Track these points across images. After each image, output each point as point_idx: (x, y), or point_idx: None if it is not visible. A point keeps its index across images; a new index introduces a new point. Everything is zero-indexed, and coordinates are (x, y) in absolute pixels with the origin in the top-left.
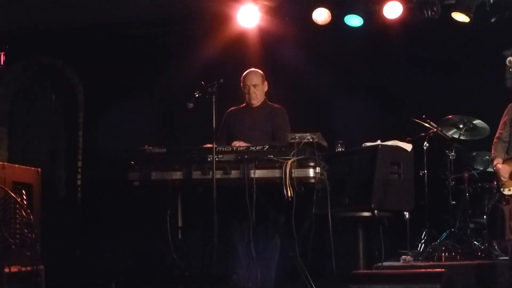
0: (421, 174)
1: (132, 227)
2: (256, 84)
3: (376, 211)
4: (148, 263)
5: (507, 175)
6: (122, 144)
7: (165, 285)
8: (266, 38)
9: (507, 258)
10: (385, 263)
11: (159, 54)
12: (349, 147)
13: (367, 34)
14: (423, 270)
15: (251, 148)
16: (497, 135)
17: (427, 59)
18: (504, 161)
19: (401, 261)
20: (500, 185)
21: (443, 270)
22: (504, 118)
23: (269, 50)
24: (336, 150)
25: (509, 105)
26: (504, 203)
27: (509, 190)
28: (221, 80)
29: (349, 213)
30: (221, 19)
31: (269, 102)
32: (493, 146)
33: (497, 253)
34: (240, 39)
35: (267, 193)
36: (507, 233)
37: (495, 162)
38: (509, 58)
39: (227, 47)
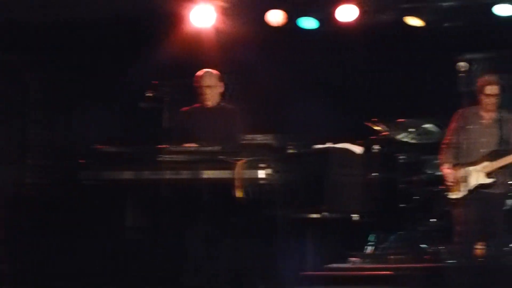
0: (371, 177)
1: (84, 226)
2: (209, 85)
3: (326, 213)
4: (98, 263)
5: (454, 180)
6: (76, 143)
7: (114, 285)
8: (222, 38)
9: (455, 261)
10: (333, 265)
11: (116, 53)
12: (301, 149)
13: (322, 37)
14: (370, 272)
15: (203, 148)
16: (445, 141)
17: (381, 62)
18: (452, 166)
19: (350, 263)
20: (447, 189)
21: (391, 272)
22: (453, 125)
23: (225, 51)
24: (288, 152)
25: (457, 112)
26: (452, 207)
27: (456, 194)
28: (176, 80)
29: (300, 214)
30: (177, 19)
31: (224, 103)
32: (441, 152)
33: (445, 256)
34: (196, 39)
35: (218, 194)
36: (455, 237)
37: (443, 167)
38: (459, 63)
39: (184, 47)
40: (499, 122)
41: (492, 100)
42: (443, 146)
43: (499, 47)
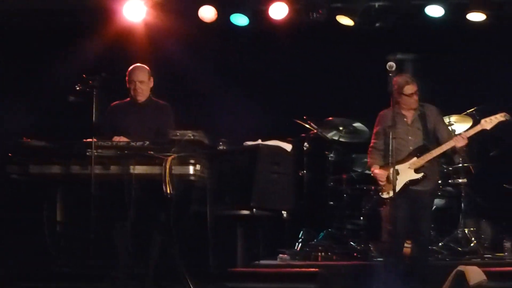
0: (300, 174)
1: (10, 221)
2: (142, 81)
3: (255, 210)
4: (26, 259)
5: (384, 179)
6: (3, 136)
7: (42, 281)
8: (153, 33)
9: (383, 259)
10: (262, 262)
11: (46, 45)
12: (231, 146)
13: (253, 34)
14: (299, 269)
15: (132, 143)
16: (371, 144)
17: (311, 61)
18: (381, 167)
19: (278, 260)
20: (379, 189)
21: (317, 269)
22: (377, 128)
23: (155, 45)
24: (218, 148)
25: (380, 114)
26: (383, 205)
27: (387, 193)
28: (103, 74)
29: (229, 211)
30: (108, 12)
31: (154, 98)
32: (368, 155)
33: (373, 254)
34: (126, 33)
35: (147, 190)
36: (384, 235)
37: (372, 169)
38: (389, 63)
39: (113, 41)
40: (421, 117)
41: (413, 98)
42: (370, 149)
43: (430, 47)
